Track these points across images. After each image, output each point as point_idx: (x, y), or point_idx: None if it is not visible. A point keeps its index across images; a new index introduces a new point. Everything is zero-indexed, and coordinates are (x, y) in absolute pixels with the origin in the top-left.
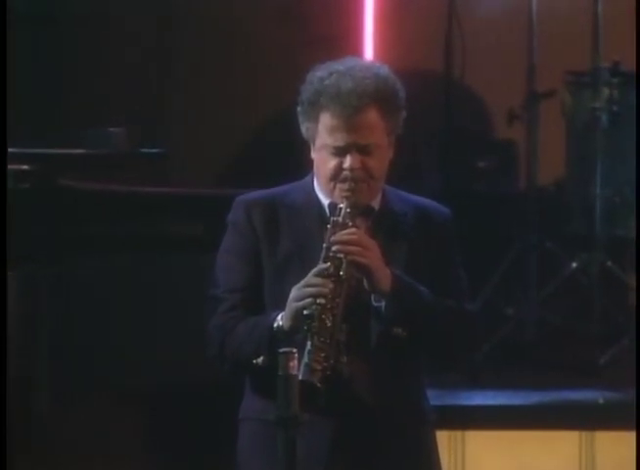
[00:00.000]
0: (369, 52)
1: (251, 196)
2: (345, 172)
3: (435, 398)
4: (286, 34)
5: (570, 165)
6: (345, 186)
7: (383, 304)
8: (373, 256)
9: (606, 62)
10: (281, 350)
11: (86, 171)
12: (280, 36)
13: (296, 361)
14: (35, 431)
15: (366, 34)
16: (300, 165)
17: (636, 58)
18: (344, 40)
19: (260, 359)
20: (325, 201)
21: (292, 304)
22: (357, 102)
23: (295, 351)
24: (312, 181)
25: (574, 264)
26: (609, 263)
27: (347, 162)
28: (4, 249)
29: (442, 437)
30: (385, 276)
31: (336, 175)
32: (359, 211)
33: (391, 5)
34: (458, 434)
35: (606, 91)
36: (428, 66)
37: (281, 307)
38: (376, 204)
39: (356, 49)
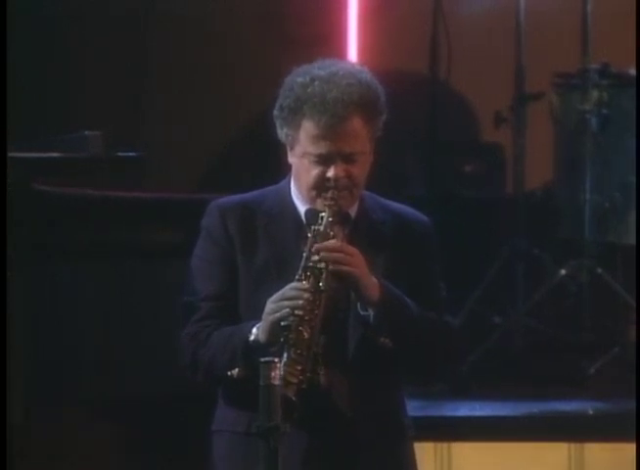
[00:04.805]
0: (353, 53)
1: (226, 201)
2: (330, 182)
3: (421, 408)
4: (266, 35)
5: (558, 170)
6: (329, 195)
7: (370, 313)
8: (357, 263)
9: (595, 63)
10: (262, 359)
11: (61, 176)
12: (260, 37)
13: (277, 371)
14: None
15: (350, 35)
16: (280, 169)
17: (636, 59)
18: (327, 41)
19: (236, 371)
20: (302, 207)
21: (268, 317)
22: (343, 111)
23: (276, 360)
24: (289, 186)
25: (563, 271)
26: (599, 270)
27: (332, 171)
28: (4, 249)
29: (428, 448)
30: (371, 285)
31: (319, 184)
32: (338, 219)
33: (376, 5)
34: (444, 445)
35: (595, 93)
36: (413, 67)
37: (256, 317)
38: (352, 211)
39: (340, 50)
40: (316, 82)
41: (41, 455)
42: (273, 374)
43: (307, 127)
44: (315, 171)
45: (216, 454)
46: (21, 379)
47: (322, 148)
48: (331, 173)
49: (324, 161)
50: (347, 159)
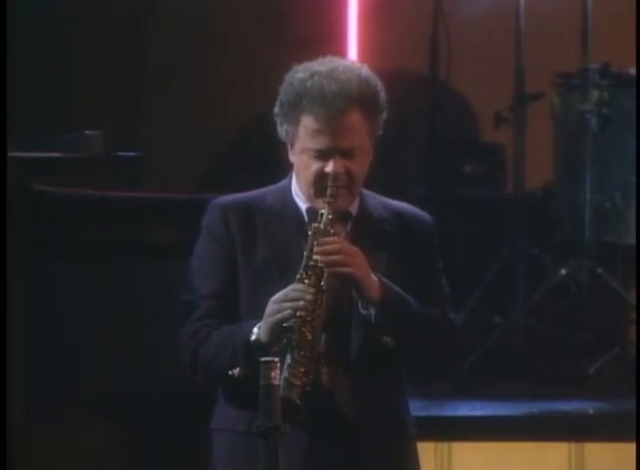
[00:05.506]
0: (353, 53)
1: (227, 200)
2: (328, 177)
3: (422, 408)
4: (266, 35)
5: (558, 170)
6: (328, 192)
7: (372, 312)
8: (359, 263)
9: (595, 63)
10: (262, 359)
11: (61, 176)
12: (260, 37)
13: (277, 371)
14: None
15: (350, 34)
16: (280, 169)
17: (636, 59)
18: (327, 41)
19: (237, 371)
20: (303, 206)
21: (269, 317)
22: (342, 105)
23: (277, 360)
24: (290, 185)
25: (563, 271)
26: (599, 270)
27: (330, 166)
28: (4, 249)
29: (429, 448)
30: (373, 284)
31: (318, 180)
32: (338, 216)
33: (376, 5)
34: (444, 445)
35: (595, 93)
36: (413, 67)
37: (257, 316)
38: (353, 209)
39: (340, 50)
40: (315, 77)
41: (41, 455)
42: (273, 374)
43: (306, 122)
44: (314, 167)
45: (216, 453)
46: (21, 379)
47: (321, 143)
48: (329, 168)
49: (323, 156)
50: (346, 154)
